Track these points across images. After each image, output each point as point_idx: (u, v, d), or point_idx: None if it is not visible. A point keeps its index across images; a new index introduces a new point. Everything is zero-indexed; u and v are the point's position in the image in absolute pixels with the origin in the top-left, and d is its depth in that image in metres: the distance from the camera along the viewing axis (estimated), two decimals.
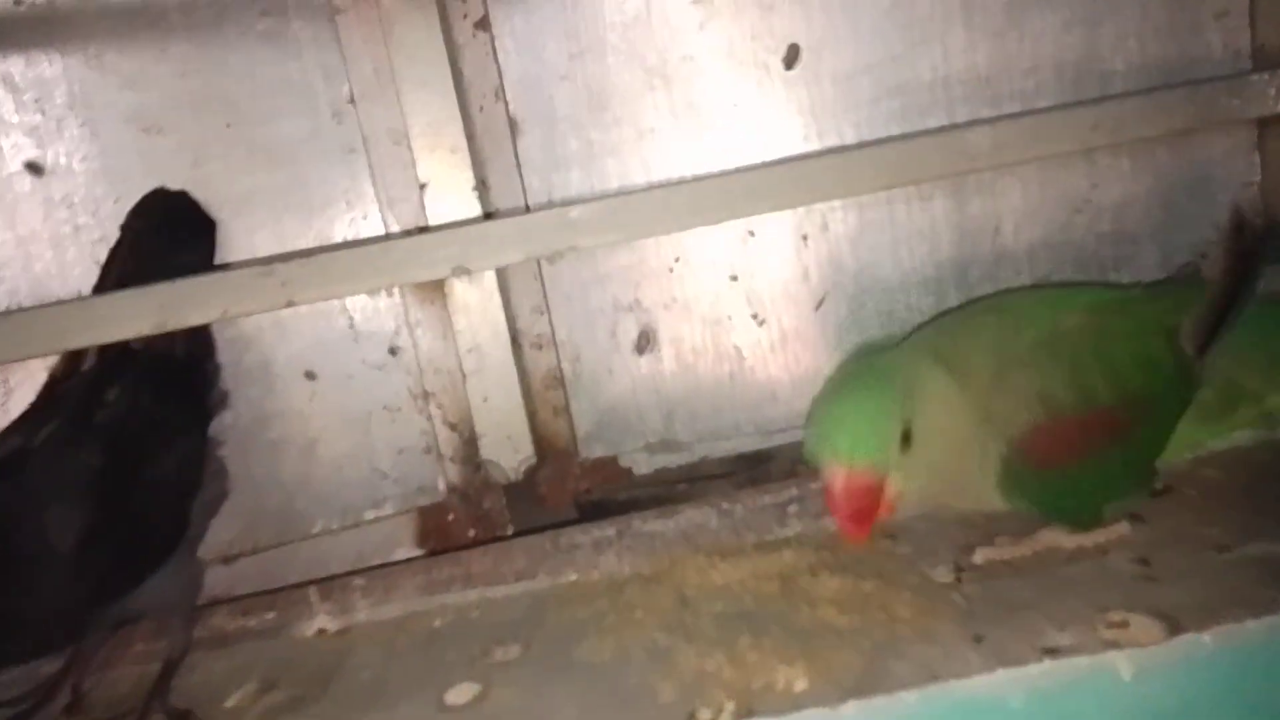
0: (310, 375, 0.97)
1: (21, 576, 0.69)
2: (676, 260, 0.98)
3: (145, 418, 0.79)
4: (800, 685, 0.59)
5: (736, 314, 0.99)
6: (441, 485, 1.00)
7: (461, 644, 0.78)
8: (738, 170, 0.88)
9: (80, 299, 0.82)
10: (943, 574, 0.73)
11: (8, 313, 0.83)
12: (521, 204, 0.96)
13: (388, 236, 0.92)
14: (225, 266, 0.89)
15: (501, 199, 0.96)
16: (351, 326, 0.97)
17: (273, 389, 0.97)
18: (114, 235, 0.89)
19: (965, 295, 0.98)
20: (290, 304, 0.80)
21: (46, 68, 0.89)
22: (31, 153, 0.89)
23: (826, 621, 0.69)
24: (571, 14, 0.94)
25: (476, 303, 0.97)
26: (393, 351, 0.98)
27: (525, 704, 0.68)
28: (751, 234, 0.98)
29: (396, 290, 0.97)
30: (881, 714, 0.55)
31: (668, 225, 0.86)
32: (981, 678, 0.56)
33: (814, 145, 0.96)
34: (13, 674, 0.84)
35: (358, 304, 0.97)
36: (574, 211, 0.82)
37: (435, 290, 0.97)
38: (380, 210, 0.95)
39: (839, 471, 0.67)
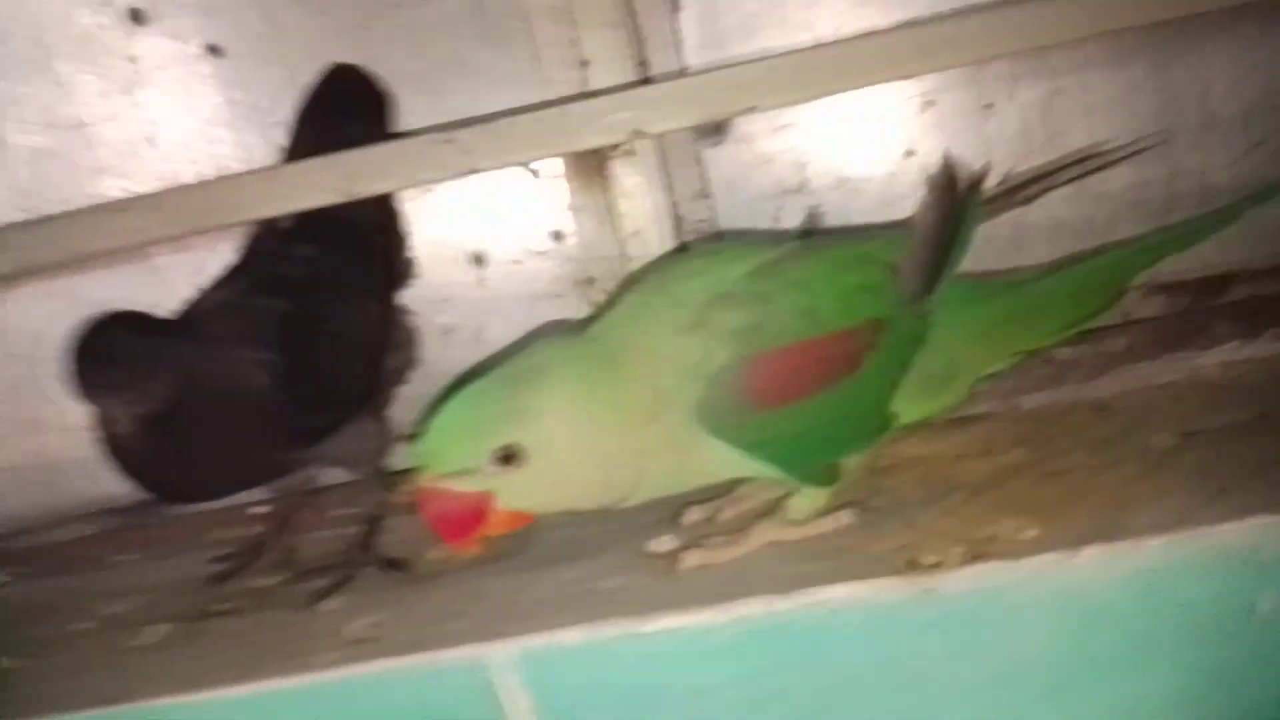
0: (478, 259, 0.98)
1: (208, 410, 0.72)
2: (847, 136, 0.95)
3: (332, 274, 0.82)
4: (1030, 533, 0.57)
5: (913, 193, 0.96)
6: None
7: (650, 507, 0.78)
8: (915, 22, 0.84)
9: (267, 168, 0.85)
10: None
11: (200, 183, 0.86)
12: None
13: (565, 99, 0.91)
14: (404, 135, 0.90)
15: (661, 74, 0.94)
16: (516, 210, 0.98)
17: (444, 273, 0.98)
18: (289, 117, 0.91)
19: (1169, 169, 0.91)
20: (472, 170, 0.81)
21: None
22: (211, 35, 0.91)
23: (1049, 482, 0.66)
24: None
25: (638, 187, 0.96)
26: (556, 236, 0.99)
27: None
28: (930, 102, 0.93)
29: (561, 174, 0.97)
30: (1122, 562, 0.53)
31: (848, 80, 0.82)
32: (1231, 524, 0.53)
33: None
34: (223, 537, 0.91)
35: (521, 190, 0.98)
36: (750, 69, 0.80)
37: (597, 173, 0.96)
38: (541, 90, 0.95)
39: (421, 480, 0.64)
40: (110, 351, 0.68)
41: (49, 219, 0.85)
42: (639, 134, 0.80)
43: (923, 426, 0.76)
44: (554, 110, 0.81)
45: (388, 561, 0.79)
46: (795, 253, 0.71)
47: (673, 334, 0.67)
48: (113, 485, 0.96)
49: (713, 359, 0.65)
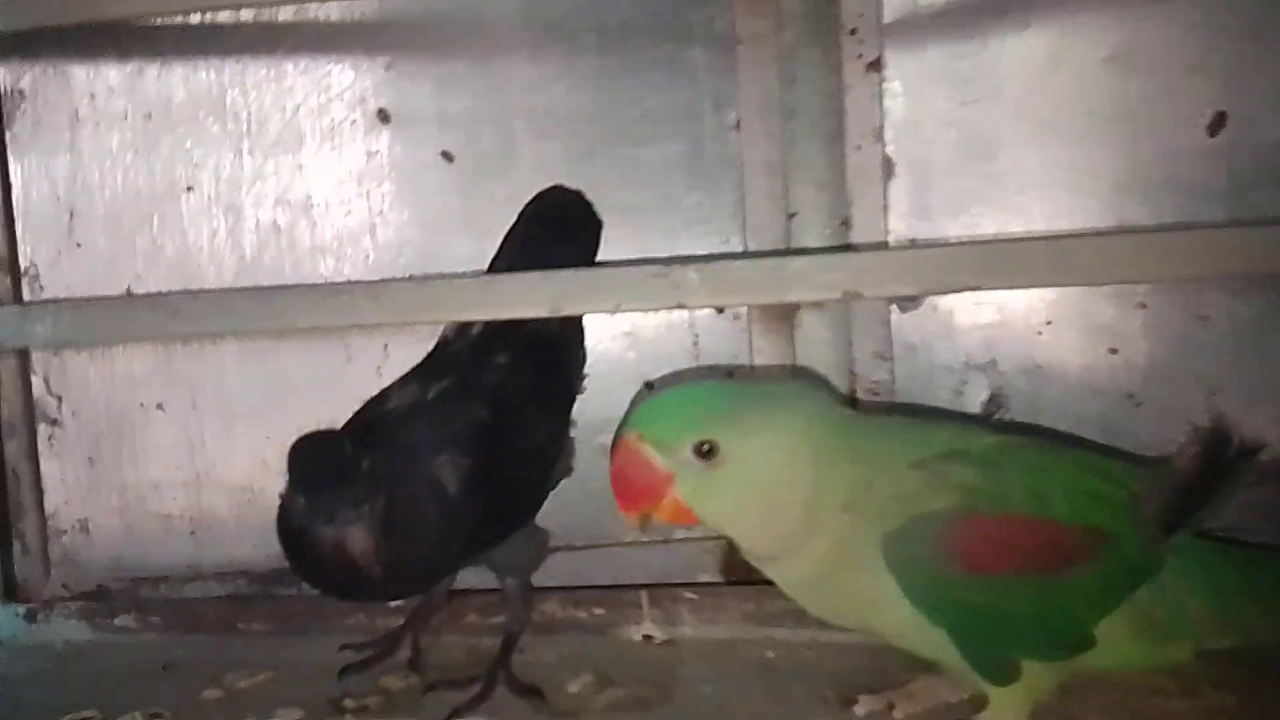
0: (650, 386, 0.98)
1: (413, 520, 0.71)
2: (1048, 323, 0.93)
3: (526, 385, 0.83)
4: None
5: (1109, 390, 0.92)
6: None
7: (804, 682, 0.74)
8: (1142, 229, 0.83)
9: (486, 275, 0.88)
10: None
11: (418, 279, 0.89)
12: (884, 244, 0.95)
13: (778, 252, 0.93)
14: (613, 263, 0.93)
15: (862, 239, 0.95)
16: (695, 344, 0.98)
17: (612, 395, 0.98)
18: (500, 228, 0.95)
19: None
20: (680, 306, 0.81)
21: (460, 65, 0.96)
22: (447, 142, 0.97)
23: None
24: (969, 62, 0.93)
25: (822, 338, 0.96)
26: (729, 375, 0.98)
27: None
28: (1143, 305, 0.91)
29: (744, 313, 0.97)
30: None
31: (1064, 276, 0.81)
32: None
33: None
34: (357, 622, 0.89)
35: (704, 324, 0.98)
36: (972, 250, 0.79)
37: (784, 319, 0.96)
38: (744, 237, 0.97)
39: (625, 435, 0.66)
40: (345, 482, 0.68)
41: (270, 289, 0.89)
42: (853, 294, 0.80)
43: None
44: (770, 262, 0.82)
45: (525, 688, 0.75)
46: (1032, 443, 0.70)
47: (901, 460, 0.66)
48: (254, 550, 0.99)
49: (926, 500, 0.64)
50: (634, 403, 0.68)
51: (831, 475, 0.65)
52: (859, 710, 0.71)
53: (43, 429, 0.99)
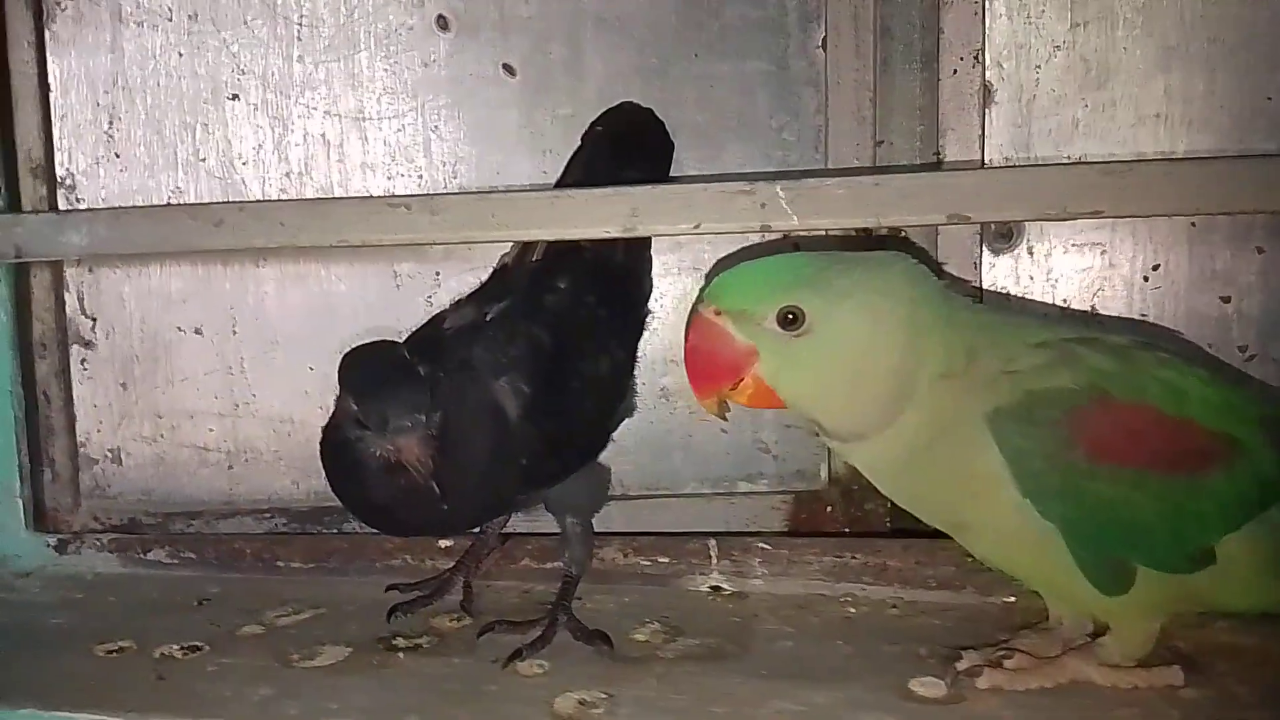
0: None
1: (469, 442, 0.66)
2: (1155, 268, 0.85)
3: (589, 312, 0.77)
4: None
5: (1220, 342, 0.85)
6: (824, 473, 0.91)
7: (890, 639, 0.68)
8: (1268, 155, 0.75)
9: (554, 190, 0.81)
10: None
11: (481, 194, 0.83)
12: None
13: (877, 169, 0.85)
14: (695, 179, 0.86)
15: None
16: None
17: (676, 333, 0.92)
18: (564, 148, 0.88)
19: None
20: (765, 229, 0.75)
21: None
22: (509, 54, 0.89)
23: None
24: None
25: None
26: None
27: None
28: (1260, 250, 0.83)
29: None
30: None
31: (1183, 203, 0.74)
32: None
33: None
34: (404, 563, 0.83)
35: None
36: (1099, 171, 0.72)
37: None
38: (826, 164, 0.89)
39: (701, 308, 0.61)
40: (403, 386, 0.63)
41: (321, 201, 0.83)
42: (960, 217, 0.73)
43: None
44: (867, 179, 0.74)
45: (592, 633, 0.69)
46: (1168, 343, 0.65)
47: (1018, 337, 0.61)
48: (292, 485, 0.94)
49: (1050, 377, 0.58)
50: (709, 277, 0.62)
51: (927, 341, 0.60)
52: (960, 665, 0.64)
53: (75, 350, 0.93)
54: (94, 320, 0.93)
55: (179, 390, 0.93)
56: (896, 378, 0.59)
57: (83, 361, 0.93)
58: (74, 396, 0.94)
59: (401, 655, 0.68)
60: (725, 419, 0.64)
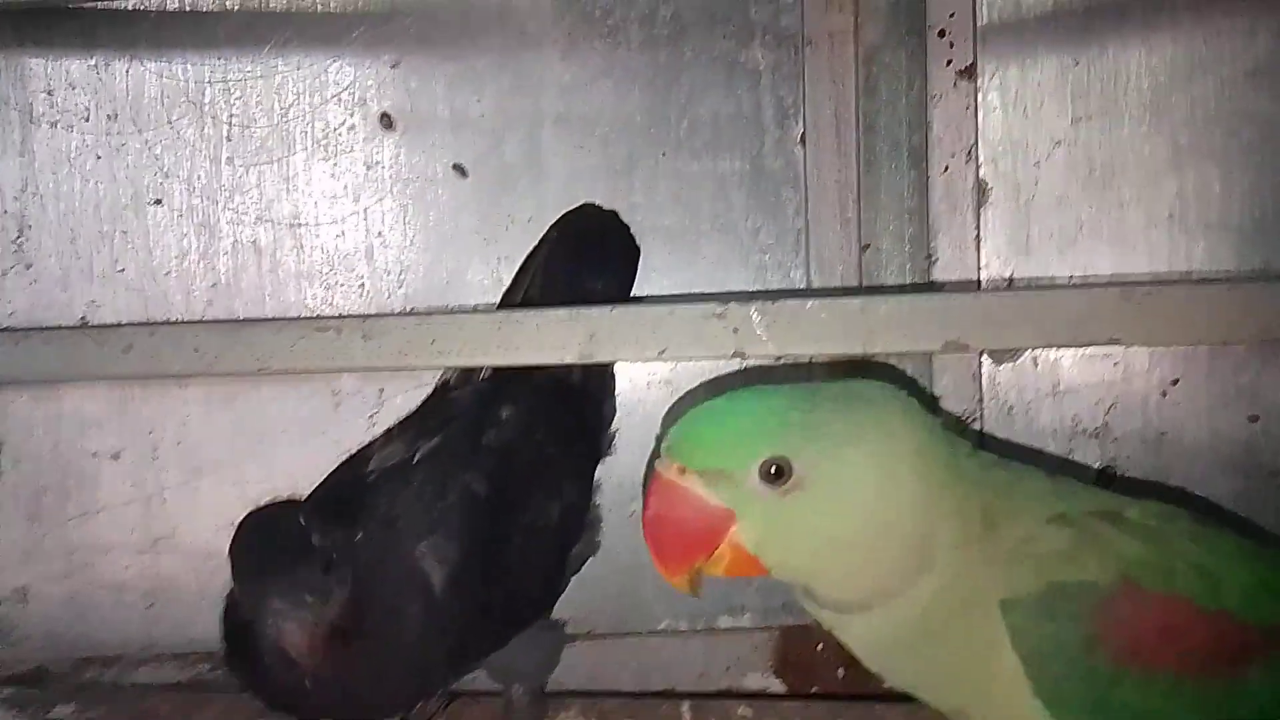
0: None
1: (394, 621, 0.57)
2: (1174, 383, 0.78)
3: (537, 449, 0.68)
4: None
5: (1247, 465, 0.77)
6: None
7: None
8: None
9: (502, 312, 0.73)
10: None
11: (420, 315, 0.74)
12: (973, 284, 0.80)
13: (861, 290, 0.78)
14: (661, 299, 0.78)
15: (948, 278, 0.80)
16: None
17: (645, 455, 0.83)
18: (522, 254, 0.80)
19: None
20: (739, 355, 0.66)
21: (480, 62, 0.82)
22: (459, 153, 0.82)
23: None
24: (1082, 71, 0.78)
25: None
26: None
27: None
28: None
29: (804, 365, 0.82)
30: None
31: (1212, 331, 0.66)
32: None
33: None
34: None
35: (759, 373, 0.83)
36: (1110, 295, 0.64)
37: (854, 371, 0.81)
38: (808, 271, 0.82)
39: (662, 469, 0.51)
40: (303, 550, 0.55)
41: (241, 323, 0.75)
42: (957, 346, 0.65)
43: None
44: (851, 302, 0.66)
45: None
46: (1195, 517, 0.55)
47: (1034, 509, 0.51)
48: (215, 625, 0.83)
49: (1073, 566, 0.49)
50: (668, 420, 0.53)
51: (941, 498, 0.50)
52: None
53: None
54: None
55: (93, 523, 0.84)
56: (912, 540, 0.49)
57: None
58: None
59: None
60: (698, 595, 0.53)
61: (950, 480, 0.51)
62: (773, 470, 0.49)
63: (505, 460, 0.65)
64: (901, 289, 0.77)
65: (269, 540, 0.56)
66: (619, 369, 0.81)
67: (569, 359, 0.69)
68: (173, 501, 0.84)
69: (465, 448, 0.65)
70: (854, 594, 0.51)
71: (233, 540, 0.56)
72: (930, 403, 0.77)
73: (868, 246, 0.80)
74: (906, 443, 0.50)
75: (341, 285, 0.82)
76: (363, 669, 0.54)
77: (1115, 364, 0.79)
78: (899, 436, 0.51)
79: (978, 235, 0.80)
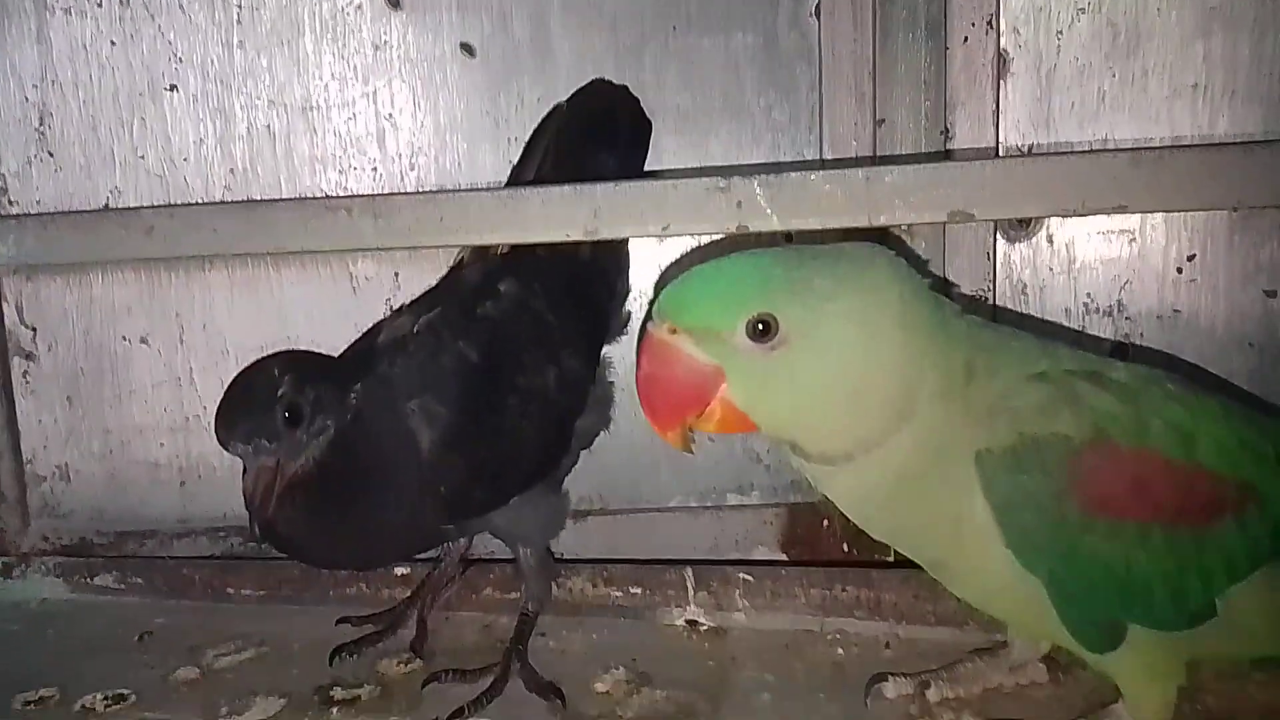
0: None
1: (376, 475, 0.60)
2: (1190, 259, 0.76)
3: (534, 320, 0.69)
4: None
5: (1264, 341, 0.75)
6: None
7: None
8: None
9: (507, 190, 0.73)
10: None
11: (428, 194, 0.75)
12: (989, 155, 0.78)
13: (869, 160, 0.77)
14: (667, 174, 0.78)
15: (966, 150, 0.78)
16: None
17: None
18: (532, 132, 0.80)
19: None
20: (741, 228, 0.66)
21: None
22: (466, 33, 0.81)
23: None
24: None
25: None
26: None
27: None
28: None
29: (818, 244, 0.82)
30: None
31: (1222, 196, 0.64)
32: None
33: None
34: (359, 591, 0.77)
35: None
36: (1118, 161, 0.62)
37: None
38: (820, 147, 0.80)
39: (654, 329, 0.52)
40: (267, 399, 0.58)
41: (256, 204, 0.76)
42: (964, 215, 0.64)
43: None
44: (855, 173, 0.66)
45: (544, 685, 0.63)
46: (1178, 379, 0.56)
47: (1015, 366, 0.53)
48: None
49: (1048, 420, 0.50)
50: (661, 284, 0.54)
51: (925, 350, 0.52)
52: (888, 691, 0.59)
53: (16, 363, 0.88)
54: (34, 331, 0.87)
55: (127, 404, 0.87)
56: (894, 390, 0.51)
57: (25, 374, 0.88)
58: (18, 411, 0.88)
59: (335, 711, 0.62)
60: (691, 451, 0.55)
61: (934, 336, 0.52)
62: (760, 327, 0.50)
63: (500, 328, 0.67)
64: (910, 158, 0.76)
65: (242, 392, 0.59)
66: (636, 249, 0.82)
67: (575, 235, 0.70)
68: (201, 383, 0.87)
69: (461, 318, 0.67)
70: (838, 446, 0.52)
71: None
72: (922, 268, 0.76)
73: (883, 122, 0.78)
74: (890, 299, 0.51)
75: (355, 169, 0.83)
76: (342, 516, 0.58)
77: (1131, 240, 0.77)
78: (882, 292, 0.51)
79: (996, 108, 0.77)
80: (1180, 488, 0.51)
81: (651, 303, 0.54)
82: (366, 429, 0.60)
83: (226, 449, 0.59)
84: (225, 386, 0.61)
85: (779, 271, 0.52)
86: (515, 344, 0.66)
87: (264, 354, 0.84)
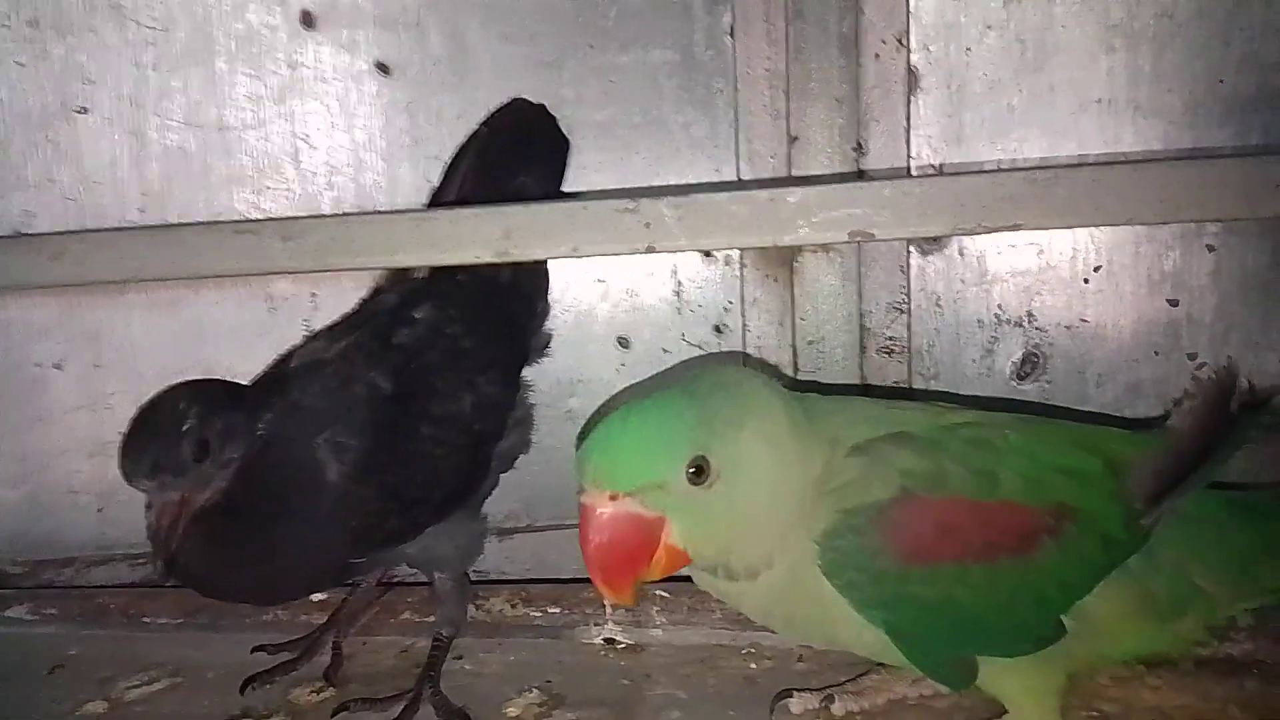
0: (623, 342, 0.84)
1: (283, 508, 0.59)
2: (1097, 270, 0.78)
3: (450, 346, 0.68)
4: None
5: (1168, 349, 0.77)
6: None
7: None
8: (1219, 155, 0.67)
9: (418, 212, 0.73)
10: None
11: (339, 217, 0.75)
12: (902, 174, 0.79)
13: (773, 182, 0.77)
14: (579, 196, 0.78)
15: (879, 167, 0.80)
16: (678, 294, 0.83)
17: (582, 351, 0.84)
18: (449, 155, 0.80)
19: None
20: (650, 249, 0.67)
21: None
22: (384, 51, 0.81)
23: None
24: None
25: (828, 288, 0.81)
26: (718, 330, 0.84)
27: None
28: (1210, 248, 0.75)
29: (736, 259, 0.82)
30: None
31: (1125, 212, 0.65)
32: None
33: None
34: (275, 618, 0.77)
35: (689, 269, 0.84)
36: (1012, 180, 0.64)
37: (782, 264, 0.81)
38: (737, 163, 0.81)
39: (594, 501, 0.52)
40: (172, 433, 0.57)
41: (167, 228, 0.76)
42: (864, 235, 0.65)
43: (1166, 669, 0.61)
44: (760, 194, 0.66)
45: (453, 711, 0.63)
46: (989, 420, 0.59)
47: (843, 444, 0.56)
48: None
49: (861, 491, 0.53)
50: (584, 450, 0.53)
51: (806, 453, 0.54)
52: (793, 707, 0.61)
53: None
54: None
55: (44, 429, 0.86)
56: (797, 492, 0.54)
57: None
58: None
59: None
60: (638, 604, 0.57)
61: (802, 433, 0.55)
62: (696, 470, 0.51)
63: (414, 356, 0.66)
64: (822, 179, 0.77)
65: (146, 425, 0.58)
66: (555, 269, 0.83)
67: (487, 257, 0.70)
68: (119, 407, 0.85)
69: (376, 345, 0.66)
70: (763, 559, 0.54)
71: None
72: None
73: (796, 139, 0.79)
74: (774, 407, 0.55)
75: (270, 189, 0.82)
76: (248, 550, 0.57)
77: (1040, 253, 0.78)
78: (769, 404, 0.55)
79: (908, 124, 0.79)
80: (988, 525, 0.53)
81: (583, 468, 0.53)
82: (274, 461, 0.59)
83: (130, 483, 0.58)
84: (132, 420, 0.60)
85: (694, 409, 0.54)
86: (430, 372, 0.66)
87: (182, 377, 0.84)
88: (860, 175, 0.79)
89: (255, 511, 0.58)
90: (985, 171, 0.73)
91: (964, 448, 0.56)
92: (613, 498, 0.51)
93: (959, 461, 0.54)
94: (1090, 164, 0.72)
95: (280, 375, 0.65)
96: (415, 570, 0.77)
